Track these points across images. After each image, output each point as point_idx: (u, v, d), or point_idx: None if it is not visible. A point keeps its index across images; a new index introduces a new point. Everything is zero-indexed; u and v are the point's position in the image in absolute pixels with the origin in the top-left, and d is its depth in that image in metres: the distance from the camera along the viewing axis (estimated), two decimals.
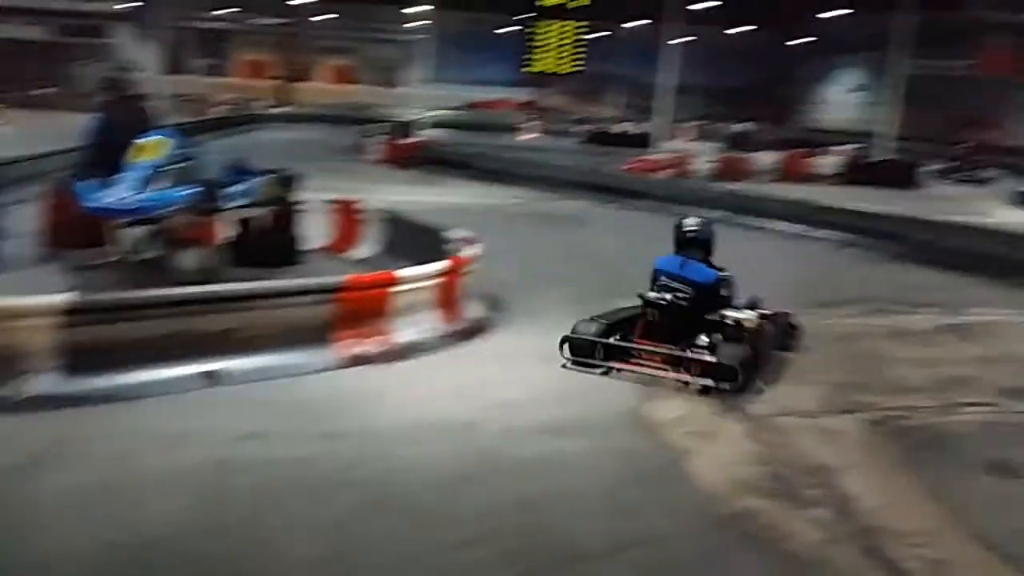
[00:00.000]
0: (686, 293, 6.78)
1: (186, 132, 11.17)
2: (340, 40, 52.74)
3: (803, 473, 5.10)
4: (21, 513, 4.24)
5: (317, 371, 6.32)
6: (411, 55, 36.56)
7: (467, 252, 8.03)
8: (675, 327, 6.70)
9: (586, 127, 37.41)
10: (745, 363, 6.32)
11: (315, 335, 6.49)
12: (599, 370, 6.66)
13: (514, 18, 36.47)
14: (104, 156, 8.28)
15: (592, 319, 6.89)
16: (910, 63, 25.65)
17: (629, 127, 35.37)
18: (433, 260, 7.54)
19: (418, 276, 7.21)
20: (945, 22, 32.58)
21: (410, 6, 34.42)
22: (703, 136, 37.97)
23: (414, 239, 9.63)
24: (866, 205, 14.38)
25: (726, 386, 6.22)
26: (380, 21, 36.23)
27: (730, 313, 6.74)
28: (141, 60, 23.44)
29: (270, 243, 9.70)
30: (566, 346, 6.78)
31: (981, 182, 23.91)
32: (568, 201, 17.09)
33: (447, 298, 7.50)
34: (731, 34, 47.83)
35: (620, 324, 6.90)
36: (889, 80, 25.05)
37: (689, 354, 6.49)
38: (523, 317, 8.20)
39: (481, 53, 54.50)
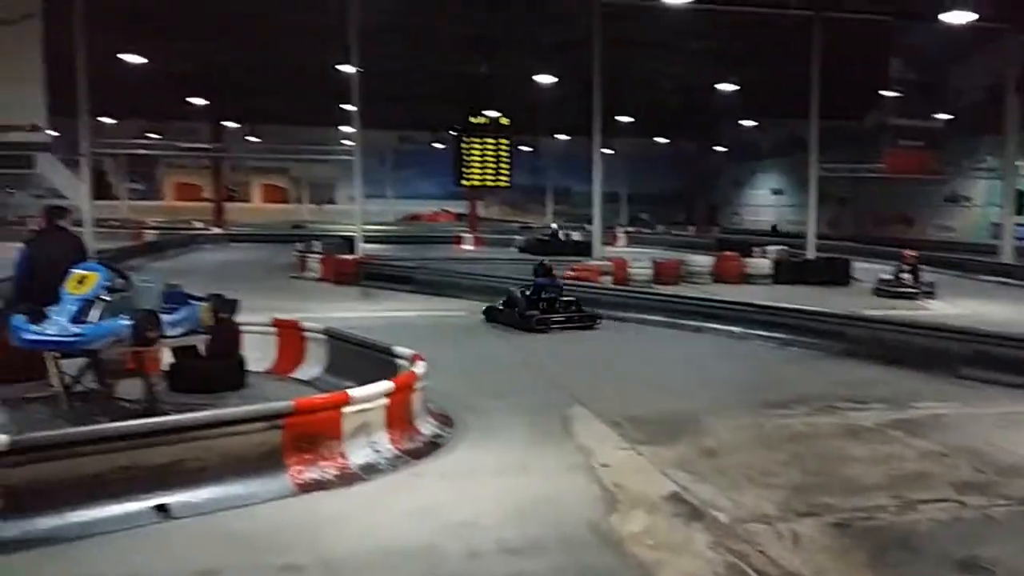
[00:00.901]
0: (555, 292, 15.09)
1: (119, 258, 10.95)
2: (272, 160, 53.25)
3: None
4: None
5: (271, 499, 6.09)
6: (345, 172, 37.19)
7: (416, 368, 7.95)
8: (554, 308, 14.76)
9: (525, 236, 37.24)
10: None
11: (266, 462, 6.27)
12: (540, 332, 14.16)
13: (448, 133, 37.19)
14: (36, 288, 8.01)
15: (520, 294, 15.06)
16: (827, 167, 26.75)
17: (570, 233, 34.52)
18: (379, 378, 7.41)
19: (369, 396, 7.07)
20: (851, 127, 34.28)
21: (339, 126, 35.12)
22: (635, 241, 38.89)
23: (359, 357, 9.50)
24: (803, 304, 14.65)
25: (596, 324, 14.81)
26: (311, 141, 36.84)
27: (568, 299, 15.17)
28: (67, 187, 23.07)
29: (212, 369, 9.49)
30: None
31: (929, 294, 19.96)
32: None
33: (399, 417, 7.36)
34: (659, 143, 49.66)
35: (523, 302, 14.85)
36: (808, 182, 26.18)
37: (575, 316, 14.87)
38: (475, 432, 8.10)
39: (415, 168, 55.64)
